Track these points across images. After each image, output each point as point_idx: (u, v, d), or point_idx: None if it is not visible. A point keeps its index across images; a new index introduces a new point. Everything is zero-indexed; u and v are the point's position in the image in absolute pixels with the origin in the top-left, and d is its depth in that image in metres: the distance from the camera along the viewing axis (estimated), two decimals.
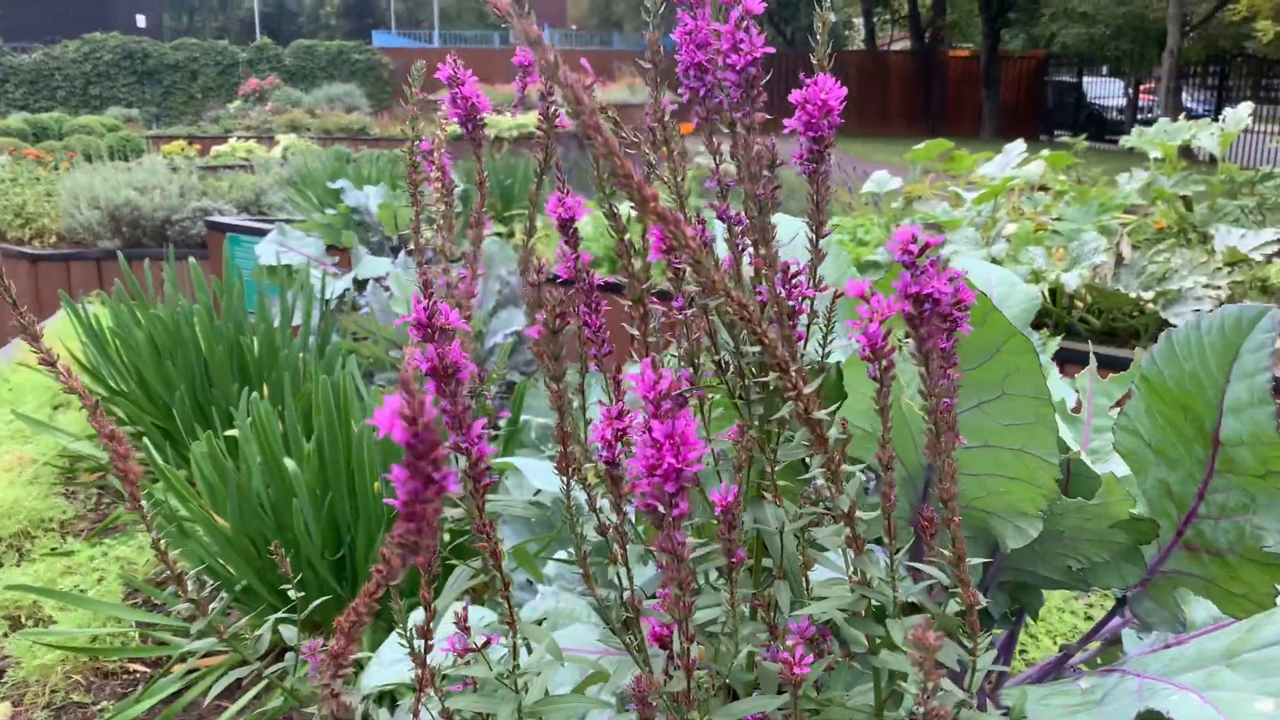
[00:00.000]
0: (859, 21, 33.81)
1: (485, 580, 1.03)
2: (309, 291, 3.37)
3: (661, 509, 0.69)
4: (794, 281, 0.85)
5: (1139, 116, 22.50)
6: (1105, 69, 25.49)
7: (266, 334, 3.03)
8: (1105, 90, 25.49)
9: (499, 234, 5.90)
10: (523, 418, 2.47)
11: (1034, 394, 1.12)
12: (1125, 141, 5.04)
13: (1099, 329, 4.36)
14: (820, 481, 0.93)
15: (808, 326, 0.89)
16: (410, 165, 1.03)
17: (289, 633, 1.06)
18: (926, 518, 0.91)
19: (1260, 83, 21.83)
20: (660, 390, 0.64)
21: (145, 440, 2.65)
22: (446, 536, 2.21)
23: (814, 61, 0.86)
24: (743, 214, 0.88)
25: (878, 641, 0.82)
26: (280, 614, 1.09)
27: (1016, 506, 1.23)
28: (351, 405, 2.23)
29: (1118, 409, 1.63)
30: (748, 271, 0.91)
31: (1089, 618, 2.29)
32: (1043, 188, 5.71)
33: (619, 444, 0.76)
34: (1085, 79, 25.36)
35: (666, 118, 0.83)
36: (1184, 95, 21.51)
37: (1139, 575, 1.32)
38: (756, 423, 0.89)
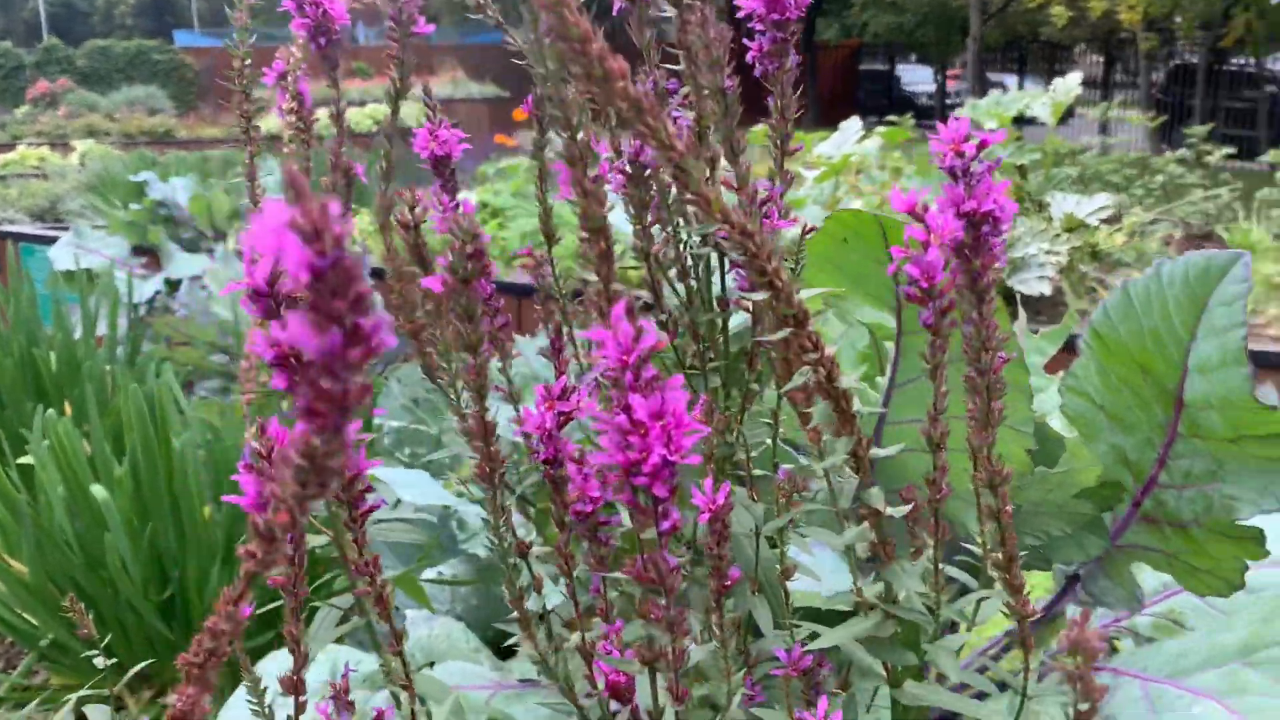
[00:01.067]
0: None
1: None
2: (114, 296, 2.99)
3: (644, 521, 0.48)
4: (764, 210, 0.65)
5: (947, 101, 23.42)
6: (914, 56, 26.48)
7: (66, 345, 2.65)
8: (915, 77, 26.46)
9: None
10: (375, 420, 2.20)
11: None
12: (959, 114, 5.08)
13: None
14: (790, 470, 0.74)
15: None
16: (240, 94, 0.78)
17: (99, 716, 0.79)
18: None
19: (1054, 66, 23.09)
20: (643, 350, 0.43)
21: None
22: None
23: None
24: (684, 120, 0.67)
25: (900, 670, 0.64)
26: (86, 690, 0.83)
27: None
28: (170, 420, 1.92)
29: (1059, 370, 1.51)
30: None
31: None
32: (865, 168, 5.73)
33: (559, 434, 0.55)
34: (897, 66, 26.28)
35: None
36: (987, 80, 22.51)
37: (1102, 547, 1.18)
38: (713, 396, 0.69)
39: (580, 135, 0.51)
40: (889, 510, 0.58)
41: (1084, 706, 0.42)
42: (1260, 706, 0.83)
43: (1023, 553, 1.19)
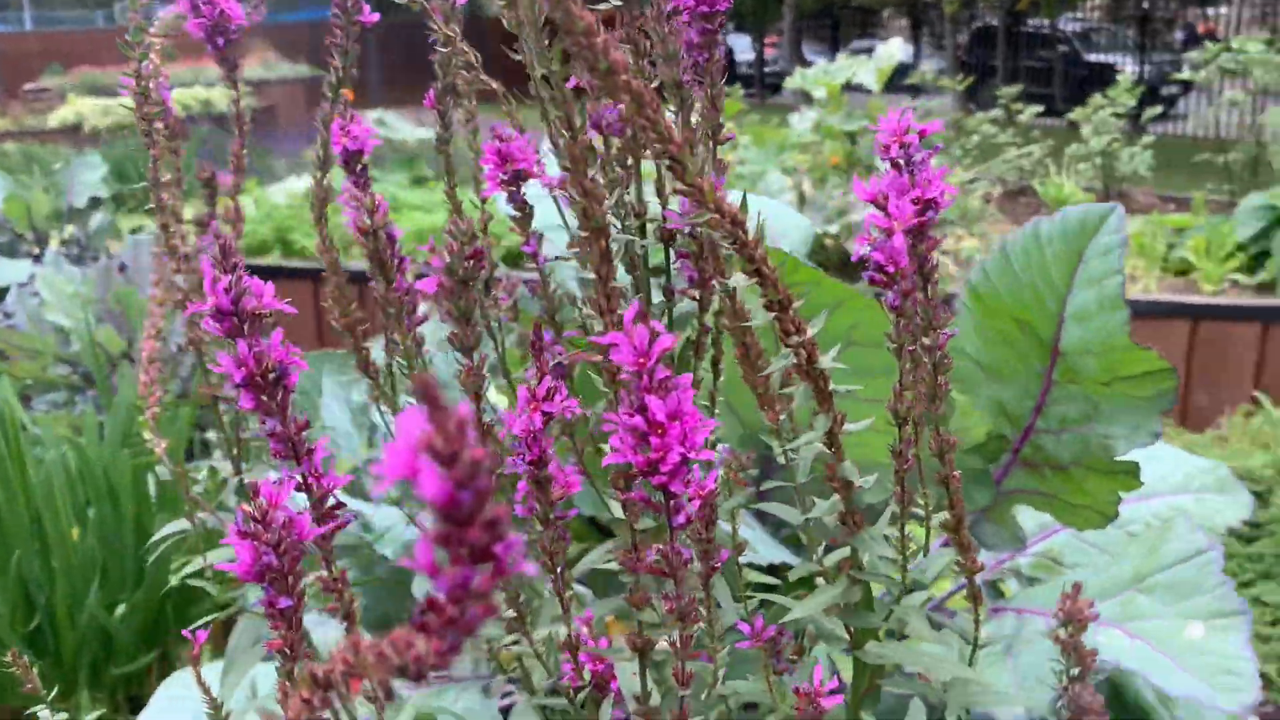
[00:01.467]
0: None
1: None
2: None
3: (636, 517, 0.50)
4: None
5: (766, 69, 23.94)
6: (732, 25, 26.94)
7: None
8: (734, 45, 26.92)
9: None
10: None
11: (882, 343, 1.02)
12: (789, 84, 5.24)
13: None
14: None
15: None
16: (137, 94, 0.74)
17: None
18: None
19: (866, 31, 23.96)
20: (659, 351, 0.44)
21: None
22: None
23: None
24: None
25: (861, 632, 0.67)
26: None
27: (873, 458, 1.12)
28: (20, 439, 1.81)
29: None
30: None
31: None
32: None
33: (543, 435, 0.55)
34: (725, 37, 26.65)
35: None
36: (803, 47, 23.15)
37: (990, 498, 1.26)
38: None
39: (581, 136, 0.52)
40: (859, 481, 0.61)
41: (1076, 671, 0.46)
42: (1155, 630, 0.91)
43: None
